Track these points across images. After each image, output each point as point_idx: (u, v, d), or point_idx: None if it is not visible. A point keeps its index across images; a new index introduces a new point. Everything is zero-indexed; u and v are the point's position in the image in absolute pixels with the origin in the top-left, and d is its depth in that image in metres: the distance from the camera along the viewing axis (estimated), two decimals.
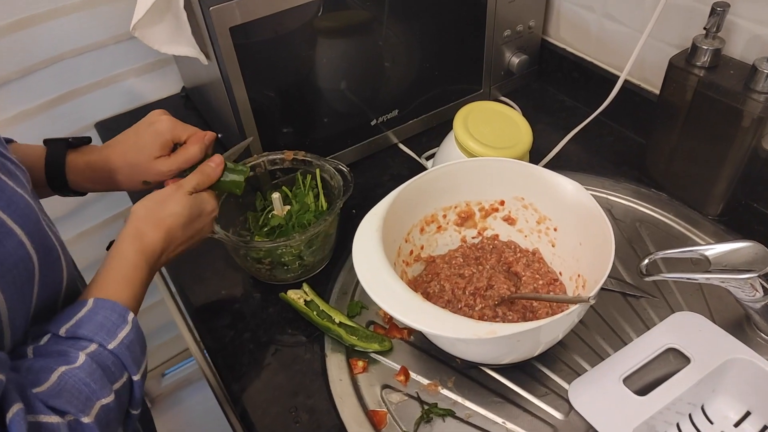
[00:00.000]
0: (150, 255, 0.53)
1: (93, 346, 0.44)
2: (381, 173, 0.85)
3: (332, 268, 0.72)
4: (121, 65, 0.99)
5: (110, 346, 0.44)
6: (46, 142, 0.62)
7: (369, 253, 0.54)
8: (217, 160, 0.63)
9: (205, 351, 0.70)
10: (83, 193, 0.65)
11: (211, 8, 0.62)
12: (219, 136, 0.81)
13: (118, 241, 0.53)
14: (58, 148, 0.61)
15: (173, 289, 0.82)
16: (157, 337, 1.32)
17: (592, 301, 0.48)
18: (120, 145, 0.63)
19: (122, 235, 0.53)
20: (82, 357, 0.42)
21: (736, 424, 0.60)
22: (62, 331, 0.44)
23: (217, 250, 0.76)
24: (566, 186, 0.61)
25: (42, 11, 0.87)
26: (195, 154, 0.62)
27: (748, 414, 0.60)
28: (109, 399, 0.42)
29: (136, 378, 0.46)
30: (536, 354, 0.59)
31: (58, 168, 0.61)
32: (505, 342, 0.51)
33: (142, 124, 0.63)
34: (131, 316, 0.47)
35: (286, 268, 0.68)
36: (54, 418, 0.38)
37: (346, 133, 0.83)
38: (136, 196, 0.87)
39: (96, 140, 1.01)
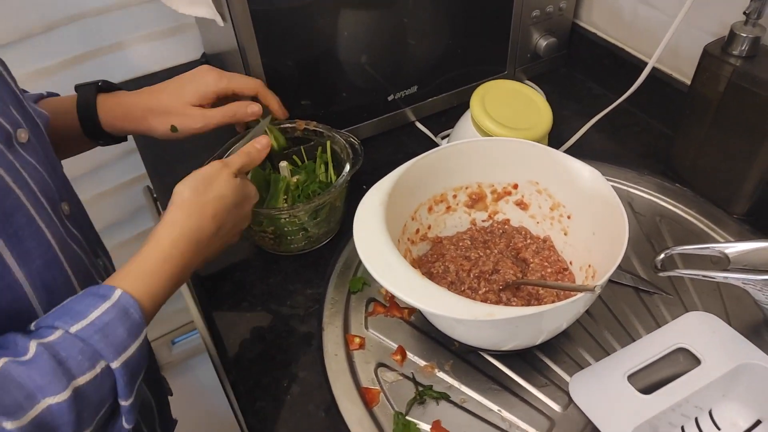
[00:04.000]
0: (189, 245, 0.48)
1: (57, 333, 0.38)
2: (395, 151, 0.83)
3: (338, 241, 0.71)
4: (142, 27, 0.98)
5: (73, 330, 0.38)
6: (77, 87, 0.62)
7: (371, 227, 0.52)
8: (263, 141, 0.59)
9: (204, 320, 0.70)
10: (117, 140, 0.65)
11: None
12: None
13: (158, 226, 0.49)
14: (89, 90, 0.62)
15: None
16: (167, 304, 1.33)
17: (598, 291, 0.45)
18: (157, 89, 0.62)
19: (163, 220, 0.49)
20: (32, 348, 0.36)
21: None
22: (32, 325, 0.40)
23: None
24: (583, 172, 0.59)
25: None
26: (238, 114, 0.61)
27: (758, 423, 0.57)
28: (61, 398, 0.36)
29: (114, 366, 0.39)
30: (538, 343, 0.57)
31: (89, 109, 0.61)
32: (504, 326, 0.49)
33: (186, 74, 0.63)
34: (118, 292, 0.41)
35: (289, 238, 0.66)
36: None
37: (363, 108, 0.81)
38: (149, 159, 0.87)
39: None
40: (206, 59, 1.02)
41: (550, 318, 0.49)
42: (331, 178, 0.71)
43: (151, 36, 0.99)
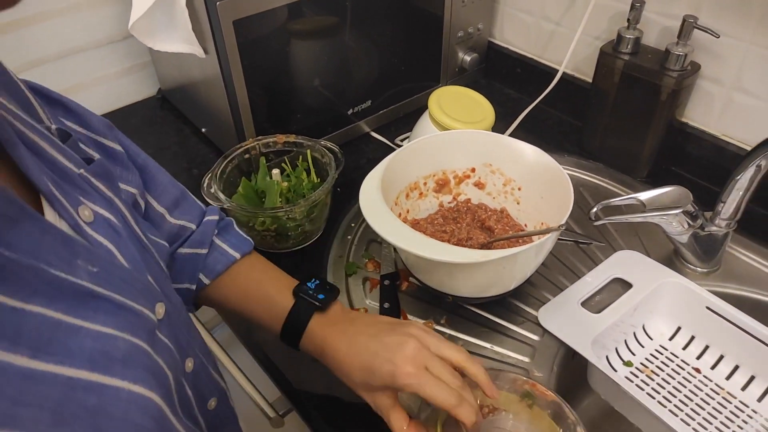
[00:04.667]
0: None
1: None
2: (358, 158, 0.95)
3: (326, 237, 0.81)
4: (99, 69, 1.04)
5: None
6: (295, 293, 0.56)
7: (374, 205, 0.64)
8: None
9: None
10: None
11: (218, 2, 0.71)
12: (203, 130, 0.88)
13: None
14: (306, 309, 0.55)
15: None
16: None
17: (562, 228, 0.60)
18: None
19: None
20: None
21: (671, 338, 0.74)
22: None
23: None
24: (527, 150, 0.74)
25: (28, 14, 0.92)
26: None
27: (678, 329, 0.74)
28: None
29: None
30: (512, 287, 0.70)
31: (299, 326, 0.55)
32: (495, 268, 0.62)
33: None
34: None
35: (289, 234, 0.76)
36: None
37: (326, 122, 0.93)
38: None
39: None
40: (162, 94, 1.10)
41: (531, 254, 0.63)
42: (313, 181, 0.81)
43: (108, 77, 1.05)
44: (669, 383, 0.70)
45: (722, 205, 0.69)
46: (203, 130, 0.98)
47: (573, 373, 0.69)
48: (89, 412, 0.29)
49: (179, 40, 0.81)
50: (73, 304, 0.31)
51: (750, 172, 0.64)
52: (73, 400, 0.29)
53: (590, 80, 0.90)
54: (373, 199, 0.65)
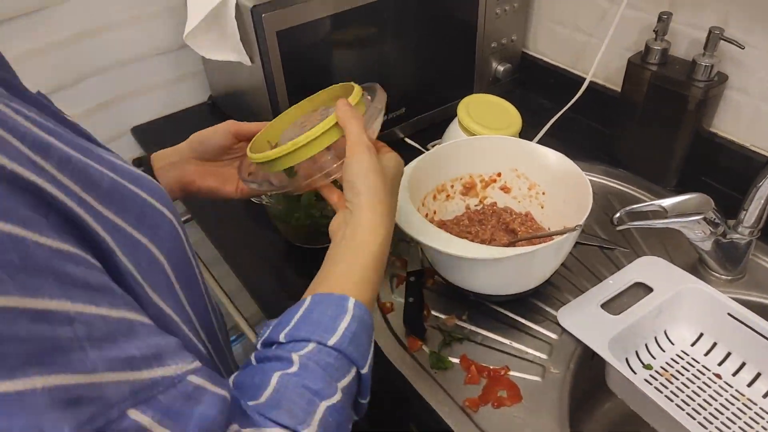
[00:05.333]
0: (388, 244, 0.50)
1: (311, 346, 0.41)
2: None
3: None
4: (155, 76, 1.12)
5: (330, 343, 0.41)
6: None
7: (401, 204, 0.68)
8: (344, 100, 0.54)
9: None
10: None
11: (263, 15, 0.77)
12: None
13: (359, 231, 0.49)
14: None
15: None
16: None
17: (580, 228, 0.62)
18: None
19: (363, 224, 0.49)
20: (295, 359, 0.40)
21: (693, 344, 0.75)
22: (281, 337, 0.42)
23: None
24: (551, 156, 0.77)
25: (95, 26, 1.00)
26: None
27: (701, 335, 0.75)
28: (335, 399, 0.39)
29: (364, 371, 0.43)
30: (533, 286, 0.73)
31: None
32: (518, 264, 0.65)
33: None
34: (351, 302, 0.43)
35: (322, 231, 0.81)
36: (276, 430, 0.36)
37: None
38: None
39: (131, 142, 1.14)
40: (212, 101, 1.17)
41: (550, 253, 0.66)
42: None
43: (164, 83, 1.14)
44: (688, 387, 0.71)
45: (744, 213, 0.70)
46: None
47: (592, 374, 0.71)
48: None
49: (228, 49, 0.88)
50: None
51: None
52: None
53: (620, 90, 0.92)
54: (401, 198, 0.69)
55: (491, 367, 0.67)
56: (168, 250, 0.38)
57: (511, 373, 0.67)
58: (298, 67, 0.84)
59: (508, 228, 0.80)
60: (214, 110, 1.17)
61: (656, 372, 0.72)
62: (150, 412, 0.30)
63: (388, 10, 0.88)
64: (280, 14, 0.78)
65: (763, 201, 0.68)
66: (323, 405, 0.38)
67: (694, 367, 0.73)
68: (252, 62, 0.86)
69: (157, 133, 1.13)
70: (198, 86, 1.17)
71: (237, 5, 0.81)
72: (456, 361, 0.69)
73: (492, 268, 0.67)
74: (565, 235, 0.63)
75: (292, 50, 0.82)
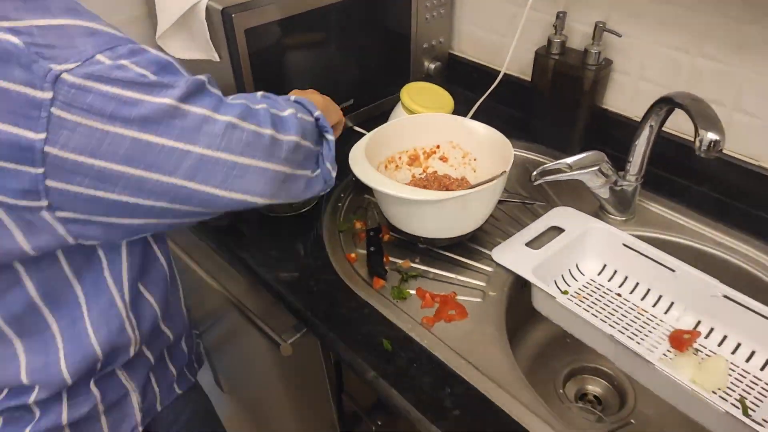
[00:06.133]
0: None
1: (290, 110, 0.70)
2: (345, 147, 1.14)
3: (321, 205, 0.99)
4: None
5: (306, 116, 0.72)
6: None
7: (359, 162, 0.83)
8: None
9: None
10: None
11: (233, 15, 0.90)
12: None
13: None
14: None
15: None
16: None
17: (506, 175, 0.79)
18: None
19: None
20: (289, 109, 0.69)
21: (599, 273, 0.93)
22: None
23: None
24: (480, 128, 0.94)
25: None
26: None
27: (605, 266, 0.93)
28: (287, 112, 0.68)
29: (316, 114, 0.74)
30: (470, 230, 0.89)
31: None
32: (454, 208, 0.81)
33: None
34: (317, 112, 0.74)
35: (291, 204, 0.94)
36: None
37: None
38: None
39: None
40: None
41: (484, 196, 0.82)
42: None
43: None
44: (596, 304, 0.89)
45: (629, 164, 0.90)
46: None
47: (522, 304, 0.87)
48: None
49: (197, 48, 1.00)
50: None
51: (645, 132, 0.85)
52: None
53: (530, 79, 1.11)
54: (359, 158, 0.83)
55: (442, 294, 0.82)
56: None
57: (458, 297, 0.83)
58: (262, 63, 0.98)
59: (449, 190, 0.96)
60: None
61: (572, 296, 0.90)
62: None
63: (337, 14, 1.03)
64: (247, 15, 0.92)
65: (642, 150, 0.87)
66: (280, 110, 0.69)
67: (600, 290, 0.91)
68: (220, 59, 0.98)
69: None
70: None
71: (207, 8, 0.93)
72: (413, 292, 0.83)
73: (436, 210, 0.82)
74: (495, 181, 0.80)
75: (257, 47, 0.95)
